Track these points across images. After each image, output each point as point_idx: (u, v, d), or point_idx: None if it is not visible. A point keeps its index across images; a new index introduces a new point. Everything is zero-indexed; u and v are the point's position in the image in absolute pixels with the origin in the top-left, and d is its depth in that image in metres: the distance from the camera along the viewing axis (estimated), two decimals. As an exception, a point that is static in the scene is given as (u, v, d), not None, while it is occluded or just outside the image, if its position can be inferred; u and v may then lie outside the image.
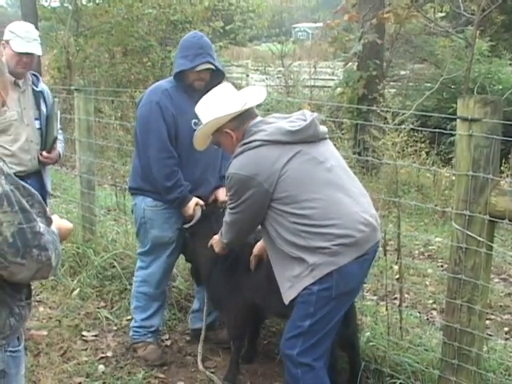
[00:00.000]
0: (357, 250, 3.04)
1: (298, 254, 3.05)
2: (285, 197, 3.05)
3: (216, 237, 3.74)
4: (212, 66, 4.07)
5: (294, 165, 3.06)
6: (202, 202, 4.16)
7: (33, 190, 2.14)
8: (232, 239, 3.53)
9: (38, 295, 5.35)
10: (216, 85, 4.22)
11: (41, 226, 2.07)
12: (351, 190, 3.16)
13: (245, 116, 3.28)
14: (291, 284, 3.12)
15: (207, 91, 4.17)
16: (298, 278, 3.07)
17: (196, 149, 3.56)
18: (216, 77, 4.19)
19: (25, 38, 4.28)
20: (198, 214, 4.13)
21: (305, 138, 3.13)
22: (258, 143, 3.10)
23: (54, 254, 2.10)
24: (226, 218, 3.40)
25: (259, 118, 3.29)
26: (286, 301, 3.17)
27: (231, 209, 3.28)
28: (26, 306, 2.25)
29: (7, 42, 4.29)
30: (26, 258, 2.01)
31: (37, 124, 4.48)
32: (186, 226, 4.19)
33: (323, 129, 3.25)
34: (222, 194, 4.29)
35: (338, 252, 2.99)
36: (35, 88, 4.52)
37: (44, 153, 4.47)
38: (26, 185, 2.13)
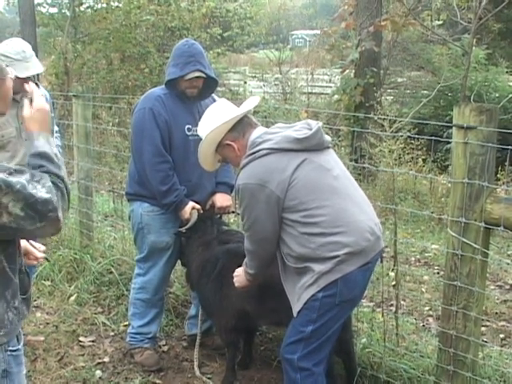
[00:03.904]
0: (362, 259, 3.06)
1: (304, 264, 3.06)
2: (295, 204, 3.05)
3: (239, 270, 3.57)
4: (202, 74, 4.07)
5: (303, 172, 3.07)
6: (198, 206, 4.16)
7: (23, 168, 2.15)
8: (258, 266, 3.35)
9: (35, 301, 5.34)
10: (209, 92, 4.26)
11: (44, 190, 2.11)
12: (357, 199, 3.18)
13: (243, 124, 3.29)
14: (298, 296, 3.13)
15: (201, 98, 4.20)
16: (302, 287, 3.09)
17: (199, 161, 3.53)
18: (209, 84, 4.21)
19: (23, 59, 4.20)
20: (195, 217, 4.14)
21: (311, 145, 3.14)
22: (265, 152, 3.10)
23: (61, 199, 2.18)
24: (246, 244, 3.31)
25: (262, 129, 3.29)
26: (295, 313, 3.17)
27: (247, 229, 3.22)
28: (23, 302, 2.30)
29: None
30: (44, 221, 2.10)
31: None
32: (182, 229, 4.21)
33: (327, 138, 3.26)
34: (218, 200, 4.31)
35: (344, 260, 3.01)
36: None
37: None
38: (16, 166, 2.15)
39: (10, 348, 2.27)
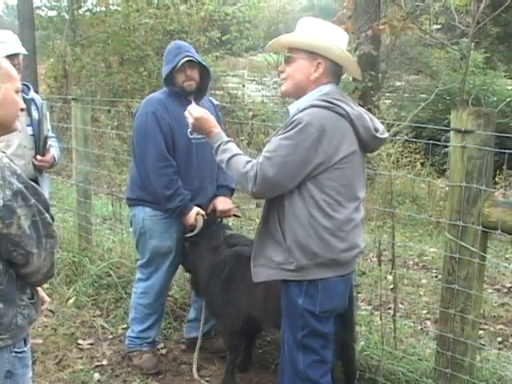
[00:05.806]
0: (342, 270, 3.01)
1: (291, 246, 2.93)
2: (325, 185, 2.87)
3: (202, 112, 3.20)
4: (192, 58, 4.05)
5: (352, 161, 2.92)
6: (202, 212, 4.13)
7: (39, 190, 2.24)
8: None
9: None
10: (206, 83, 4.26)
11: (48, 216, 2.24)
12: (362, 212, 3.14)
13: (339, 72, 3.08)
14: (266, 263, 3.03)
15: (200, 93, 4.21)
16: (279, 265, 2.98)
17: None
18: (205, 78, 4.23)
19: (7, 42, 4.35)
20: (200, 223, 4.08)
21: (370, 146, 3.06)
22: (344, 113, 2.86)
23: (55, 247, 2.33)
24: (263, 167, 2.82)
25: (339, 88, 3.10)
26: (255, 277, 3.11)
27: (271, 164, 2.80)
28: (31, 306, 2.32)
29: None
30: (38, 248, 2.19)
31: (29, 130, 4.44)
32: (188, 235, 4.18)
33: None
34: (220, 204, 4.29)
35: (324, 265, 2.94)
36: (25, 96, 4.47)
37: (38, 157, 4.42)
38: (34, 184, 2.23)
39: (16, 349, 2.28)
